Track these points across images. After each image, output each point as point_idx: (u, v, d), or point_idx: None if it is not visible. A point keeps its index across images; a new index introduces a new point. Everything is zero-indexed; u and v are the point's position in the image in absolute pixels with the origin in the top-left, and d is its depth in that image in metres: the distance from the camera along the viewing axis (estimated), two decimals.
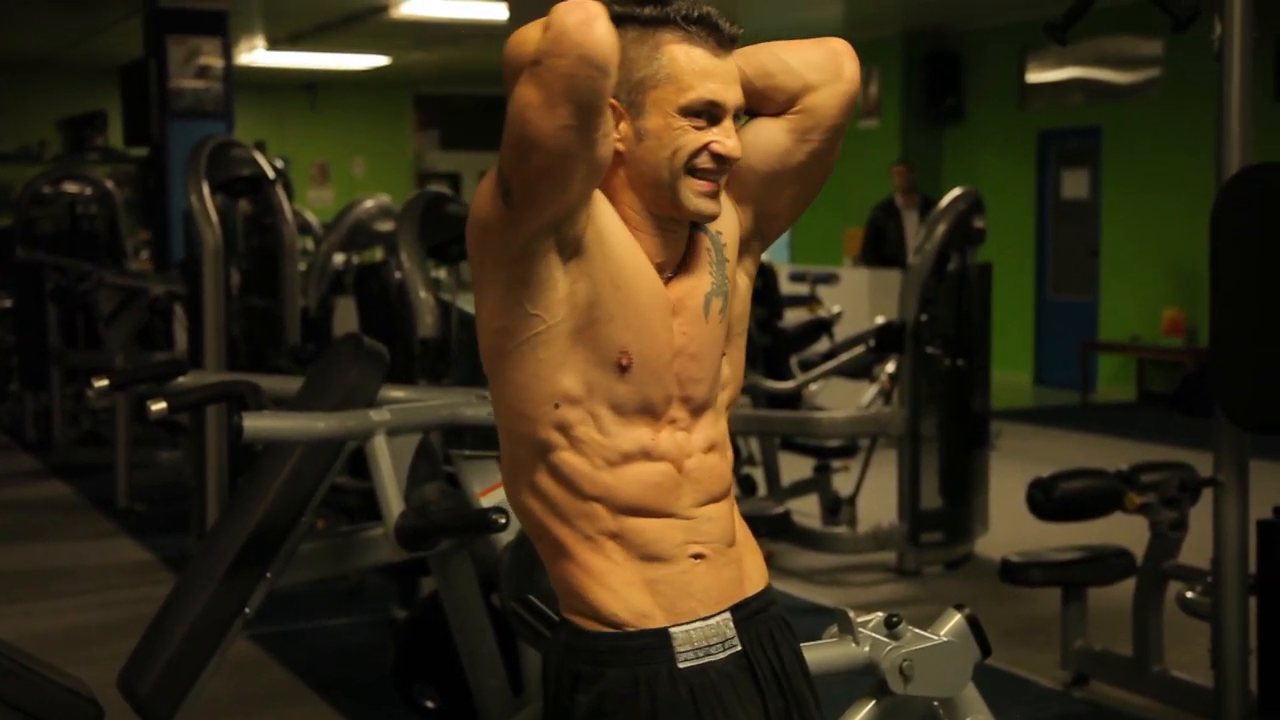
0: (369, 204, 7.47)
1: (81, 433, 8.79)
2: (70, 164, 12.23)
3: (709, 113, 1.81)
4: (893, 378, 6.31)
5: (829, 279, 8.82)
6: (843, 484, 6.51)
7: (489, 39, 10.93)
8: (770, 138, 1.95)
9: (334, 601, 5.50)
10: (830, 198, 13.93)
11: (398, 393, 3.60)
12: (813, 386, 7.62)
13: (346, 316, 6.98)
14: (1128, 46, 11.55)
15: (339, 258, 7.89)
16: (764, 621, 1.97)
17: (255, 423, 3.03)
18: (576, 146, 1.70)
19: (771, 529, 5.04)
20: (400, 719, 4.14)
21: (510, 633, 3.24)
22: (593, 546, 1.86)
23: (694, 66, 1.80)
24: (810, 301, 8.56)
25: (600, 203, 1.83)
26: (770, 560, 6.05)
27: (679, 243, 1.88)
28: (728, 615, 1.92)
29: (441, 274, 6.87)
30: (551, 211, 1.75)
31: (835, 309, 7.66)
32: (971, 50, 12.76)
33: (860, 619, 2.41)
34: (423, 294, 5.24)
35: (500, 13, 7.88)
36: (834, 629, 2.40)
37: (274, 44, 13.07)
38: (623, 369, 1.83)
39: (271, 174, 6.40)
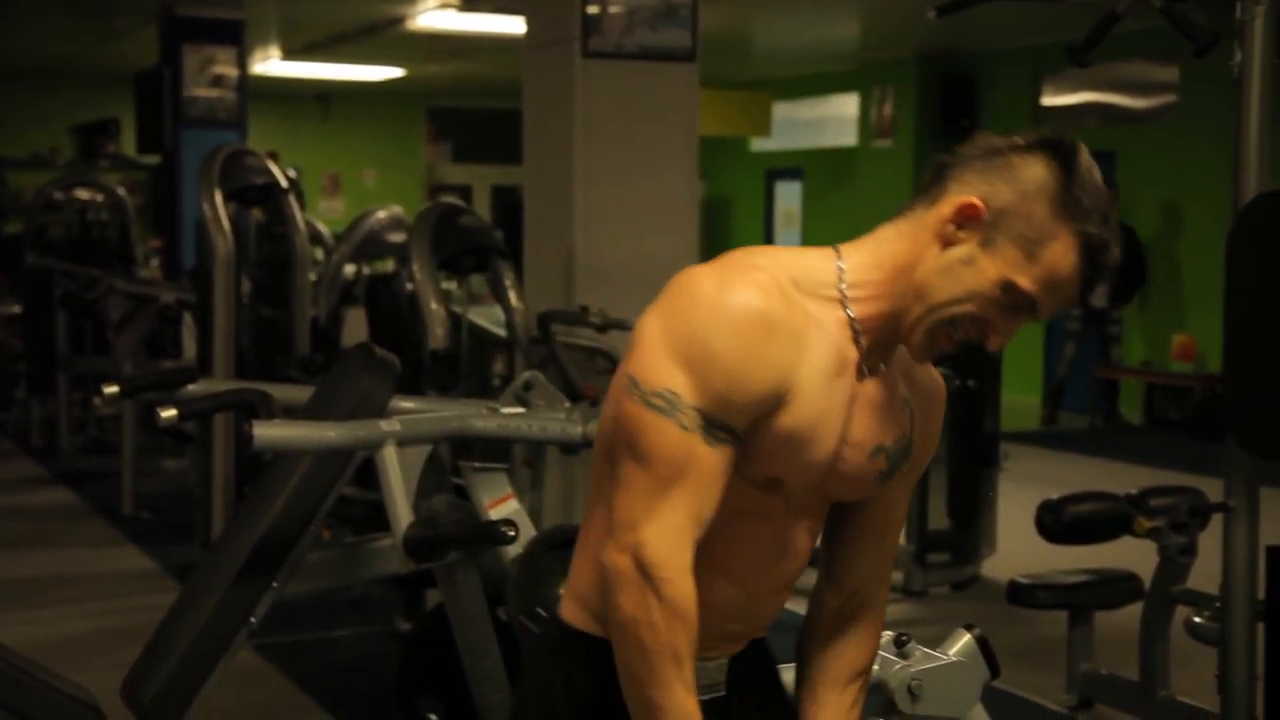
0: (381, 215, 7.43)
1: (87, 440, 8.79)
2: (82, 171, 12.27)
3: (1022, 306, 1.70)
4: None
5: None
6: None
7: (503, 52, 10.93)
8: (857, 516, 1.96)
9: (338, 612, 5.49)
10: (841, 217, 14.00)
11: (408, 404, 3.59)
12: None
13: (356, 327, 6.97)
14: (1144, 72, 11.54)
15: (350, 268, 7.88)
16: (751, 656, 1.95)
17: (266, 431, 3.02)
18: None
19: None
20: None
21: (515, 646, 3.23)
22: None
23: (1056, 273, 1.68)
24: None
25: (804, 380, 1.71)
26: None
27: (888, 355, 1.80)
28: (723, 663, 1.90)
29: (453, 286, 6.86)
30: None
31: None
32: (986, 72, 12.77)
33: None
34: (434, 305, 5.24)
35: (515, 26, 7.91)
36: None
37: (289, 54, 13.09)
38: (766, 486, 1.79)
39: (284, 183, 6.39)
